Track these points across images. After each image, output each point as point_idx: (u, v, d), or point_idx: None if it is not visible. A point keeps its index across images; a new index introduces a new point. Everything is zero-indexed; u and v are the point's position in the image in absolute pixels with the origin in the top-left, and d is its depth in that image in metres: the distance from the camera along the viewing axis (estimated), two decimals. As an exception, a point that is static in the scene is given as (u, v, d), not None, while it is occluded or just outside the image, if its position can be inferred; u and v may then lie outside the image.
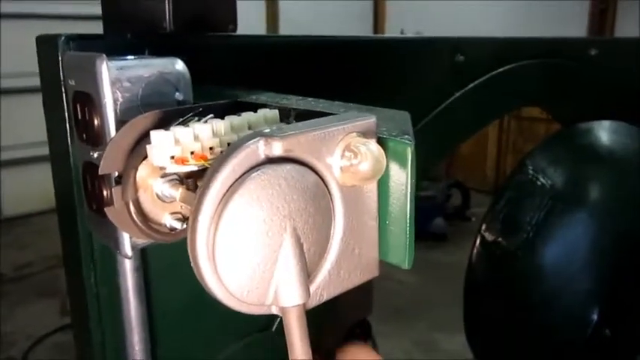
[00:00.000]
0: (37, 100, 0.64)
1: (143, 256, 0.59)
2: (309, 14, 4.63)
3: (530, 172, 1.10)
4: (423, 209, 3.38)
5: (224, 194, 0.28)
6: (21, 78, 3.47)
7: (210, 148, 0.35)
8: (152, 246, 0.49)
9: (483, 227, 1.11)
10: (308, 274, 0.32)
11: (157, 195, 0.39)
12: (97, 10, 0.66)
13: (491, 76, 0.98)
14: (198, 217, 0.28)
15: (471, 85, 0.95)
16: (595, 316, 0.99)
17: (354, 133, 0.32)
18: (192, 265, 0.29)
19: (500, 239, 1.09)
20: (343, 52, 0.78)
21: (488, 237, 1.11)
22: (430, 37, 0.92)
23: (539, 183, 1.07)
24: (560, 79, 1.11)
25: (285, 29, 4.67)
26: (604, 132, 1.15)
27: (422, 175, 1.43)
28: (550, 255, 1.03)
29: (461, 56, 0.92)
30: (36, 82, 0.54)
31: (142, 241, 0.46)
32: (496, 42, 1.03)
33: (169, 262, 0.61)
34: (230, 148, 0.29)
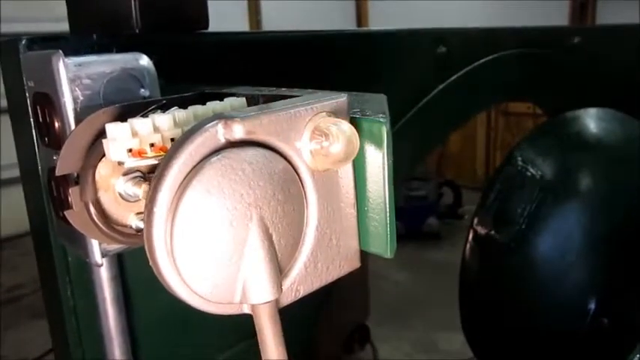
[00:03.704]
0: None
1: (120, 264, 0.56)
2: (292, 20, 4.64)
3: (520, 163, 1.08)
4: (416, 209, 3.37)
5: (181, 182, 0.26)
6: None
7: (172, 140, 0.32)
8: (130, 253, 0.47)
9: (475, 221, 1.09)
10: (281, 268, 0.29)
11: (120, 194, 0.36)
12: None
13: (474, 67, 0.96)
14: (154, 208, 0.25)
15: (455, 77, 0.93)
16: (592, 306, 0.97)
17: (324, 113, 0.30)
18: (149, 262, 0.27)
19: (492, 233, 1.08)
20: (323, 47, 0.76)
21: (481, 231, 1.09)
22: (412, 29, 0.90)
23: (528, 174, 1.06)
24: (544, 68, 1.10)
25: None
26: (591, 120, 1.14)
27: (410, 170, 1.41)
28: (544, 246, 1.01)
29: (443, 47, 0.90)
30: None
31: (113, 247, 0.43)
32: (478, 32, 1.01)
33: (149, 269, 0.58)
34: (186, 133, 0.26)
